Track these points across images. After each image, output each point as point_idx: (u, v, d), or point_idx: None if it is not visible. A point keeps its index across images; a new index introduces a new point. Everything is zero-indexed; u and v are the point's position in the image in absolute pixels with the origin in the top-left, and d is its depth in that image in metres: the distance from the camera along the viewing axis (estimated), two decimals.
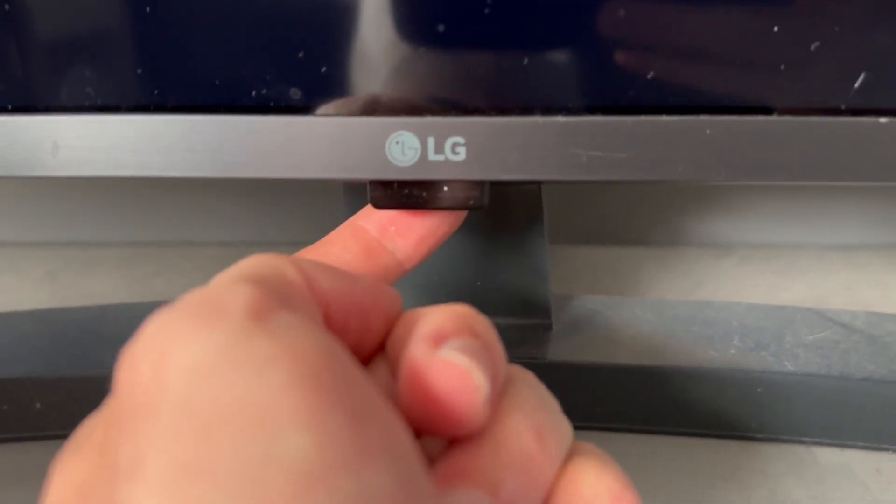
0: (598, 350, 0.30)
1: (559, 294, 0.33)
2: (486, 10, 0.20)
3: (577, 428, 0.29)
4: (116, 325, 0.32)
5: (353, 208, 0.23)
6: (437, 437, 0.16)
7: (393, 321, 0.19)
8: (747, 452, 0.28)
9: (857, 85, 0.20)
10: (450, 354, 0.15)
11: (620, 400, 0.29)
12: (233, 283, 0.15)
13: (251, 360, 0.13)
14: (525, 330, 0.30)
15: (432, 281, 0.31)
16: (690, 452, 0.28)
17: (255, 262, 0.16)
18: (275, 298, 0.15)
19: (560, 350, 0.30)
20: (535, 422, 0.16)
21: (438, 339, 0.16)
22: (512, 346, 0.30)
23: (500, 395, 0.16)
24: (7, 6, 0.21)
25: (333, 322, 0.17)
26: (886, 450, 0.28)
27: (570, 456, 0.16)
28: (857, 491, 0.27)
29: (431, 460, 0.16)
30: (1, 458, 0.29)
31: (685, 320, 0.31)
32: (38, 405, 0.29)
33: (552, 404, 0.17)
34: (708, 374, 0.28)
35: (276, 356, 0.13)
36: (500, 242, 0.30)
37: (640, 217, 0.47)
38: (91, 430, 0.15)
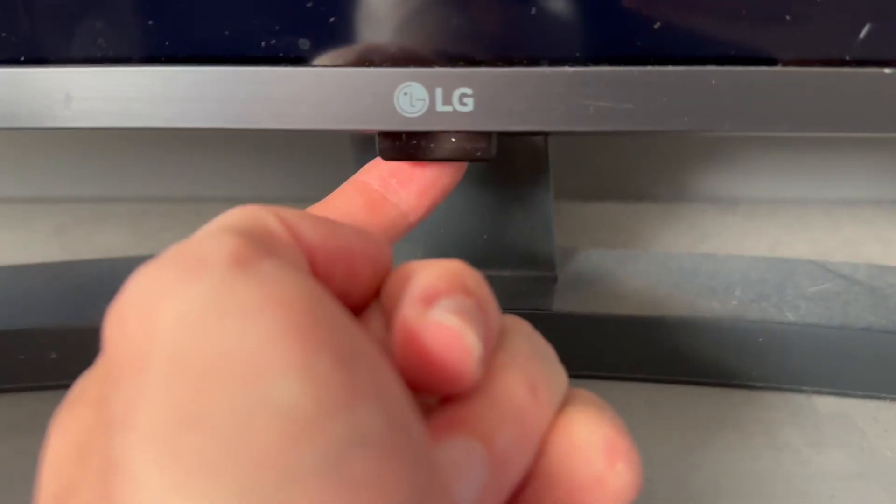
0: (602, 301, 0.30)
1: (564, 247, 0.34)
2: None
3: (581, 377, 0.30)
4: (128, 277, 0.32)
5: (362, 162, 0.23)
6: (432, 395, 0.16)
7: (382, 268, 0.19)
8: (748, 400, 0.29)
9: (862, 35, 0.20)
10: (442, 316, 0.15)
11: (624, 350, 0.30)
12: (216, 234, 0.15)
13: (237, 309, 0.13)
14: (530, 282, 0.31)
15: (439, 234, 0.31)
16: (692, 401, 0.29)
17: (237, 215, 0.17)
18: (258, 247, 0.15)
19: (565, 301, 0.30)
20: (528, 374, 0.16)
21: (430, 299, 0.16)
22: (517, 298, 0.30)
23: (494, 348, 0.17)
24: None
25: (319, 269, 0.17)
26: (884, 398, 0.29)
27: (564, 404, 0.17)
28: (855, 438, 0.27)
29: (427, 414, 0.16)
30: (19, 407, 0.30)
31: (688, 272, 0.31)
32: (53, 355, 0.30)
33: (547, 354, 0.18)
34: (710, 324, 0.29)
35: (262, 303, 0.13)
36: (506, 196, 0.30)
37: (645, 172, 0.47)
38: (85, 387, 0.15)
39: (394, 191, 0.22)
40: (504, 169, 0.30)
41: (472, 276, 0.17)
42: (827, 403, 0.29)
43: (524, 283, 0.31)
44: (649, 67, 0.21)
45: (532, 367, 0.16)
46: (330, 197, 0.22)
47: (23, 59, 0.22)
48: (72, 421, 0.15)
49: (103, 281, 0.32)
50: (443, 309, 0.15)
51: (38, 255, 0.43)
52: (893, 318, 0.28)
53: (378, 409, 0.13)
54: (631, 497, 0.16)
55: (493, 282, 0.31)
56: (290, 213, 0.17)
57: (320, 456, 0.12)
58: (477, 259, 0.31)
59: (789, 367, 0.29)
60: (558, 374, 0.17)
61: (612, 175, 0.47)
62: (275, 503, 0.11)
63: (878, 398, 0.29)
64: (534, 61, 0.21)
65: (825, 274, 0.31)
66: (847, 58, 0.21)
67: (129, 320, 0.14)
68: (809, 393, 0.29)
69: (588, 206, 0.46)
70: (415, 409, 0.14)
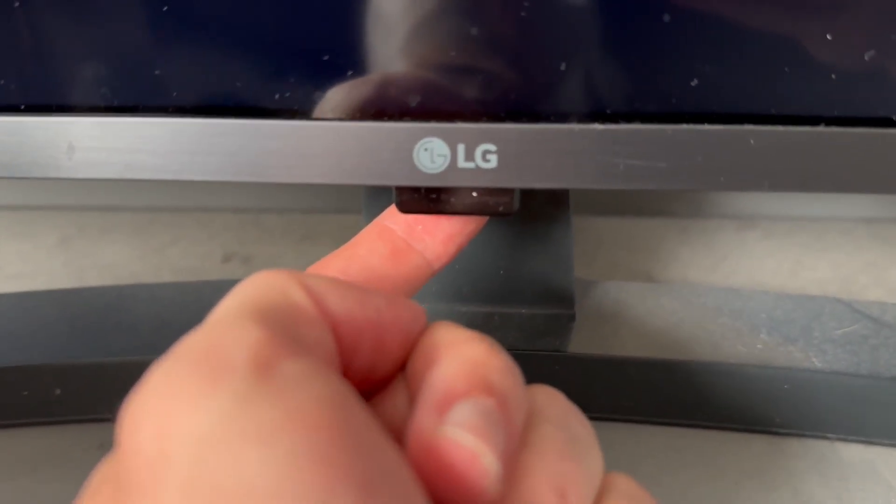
0: (621, 342, 0.29)
1: (583, 280, 0.33)
2: (522, 13, 0.19)
3: (600, 419, 0.29)
4: (133, 308, 0.31)
5: (371, 193, 0.22)
6: None
7: (414, 336, 0.18)
8: (771, 448, 0.28)
9: None
10: (456, 433, 0.14)
11: (644, 393, 0.29)
12: (238, 320, 0.14)
13: (255, 432, 0.12)
14: (549, 320, 0.30)
15: (457, 270, 0.30)
16: (714, 447, 0.28)
17: (261, 286, 0.16)
18: (281, 338, 0.14)
19: (583, 342, 0.29)
20: (558, 477, 0.15)
21: (446, 405, 0.15)
22: (535, 337, 0.29)
23: (520, 443, 0.16)
24: (18, 3, 0.20)
25: (344, 342, 0.16)
26: None
27: (598, 499, 0.16)
28: (882, 490, 0.26)
29: None
30: (22, 443, 0.29)
31: (712, 311, 0.31)
32: (57, 391, 0.29)
33: (582, 441, 0.17)
34: (734, 370, 0.28)
35: (282, 423, 0.12)
36: (525, 232, 0.29)
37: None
38: (99, 485, 0.14)
39: (419, 238, 0.21)
40: (524, 205, 0.29)
41: (496, 364, 0.16)
42: (852, 452, 0.28)
43: (542, 321, 0.30)
44: (684, 126, 0.19)
45: (562, 467, 0.16)
46: (352, 242, 0.21)
47: (23, 106, 0.21)
48: None
49: (109, 311, 0.31)
50: (458, 421, 0.14)
51: (43, 266, 0.42)
52: None
53: None
54: None
55: (510, 319, 0.30)
56: (317, 283, 0.16)
57: None
58: (494, 295, 0.30)
59: (814, 414, 0.28)
60: (592, 467, 0.16)
61: (631, 190, 0.46)
62: None
63: None
64: (562, 118, 0.20)
65: (853, 315, 0.30)
66: (894, 118, 0.19)
67: (144, 430, 0.13)
68: (833, 440, 0.28)
69: (606, 220, 0.45)
70: None
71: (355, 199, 0.21)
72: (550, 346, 0.29)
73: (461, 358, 0.16)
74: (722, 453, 0.28)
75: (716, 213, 0.46)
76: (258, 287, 0.16)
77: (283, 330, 0.14)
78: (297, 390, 0.13)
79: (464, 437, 0.14)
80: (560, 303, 0.30)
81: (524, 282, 0.30)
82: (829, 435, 0.28)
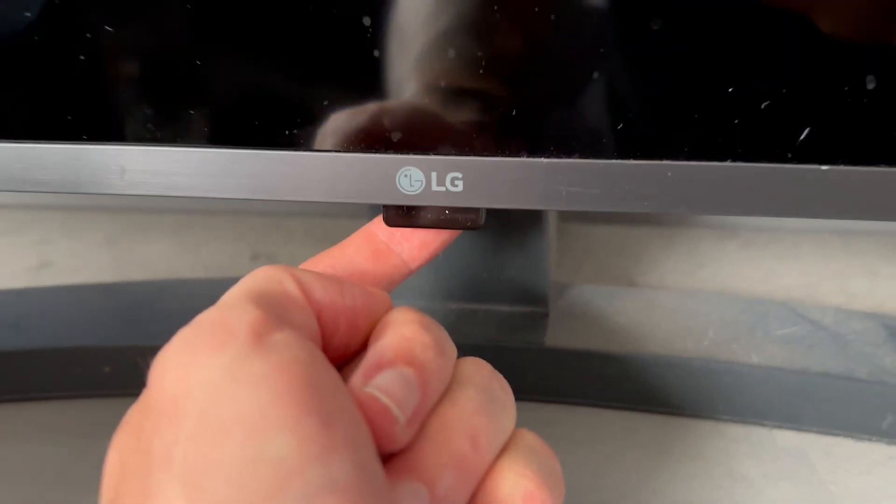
0: (588, 337, 0.34)
1: (558, 283, 0.37)
2: (481, 73, 0.23)
3: (567, 404, 0.34)
4: (171, 300, 0.37)
5: (375, 206, 0.26)
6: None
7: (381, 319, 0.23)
8: (714, 432, 0.32)
9: (802, 137, 0.23)
10: (376, 390, 0.19)
11: (606, 382, 0.33)
12: (241, 302, 0.19)
13: (250, 379, 0.17)
14: (525, 317, 0.34)
15: (446, 272, 0.35)
16: (664, 430, 0.32)
17: (261, 277, 0.21)
18: (273, 317, 0.19)
19: (555, 336, 0.34)
20: (472, 427, 0.20)
21: (373, 371, 0.19)
22: (513, 332, 0.34)
23: (443, 400, 0.20)
24: (83, 57, 0.25)
25: (325, 324, 0.21)
26: (838, 435, 0.32)
27: (505, 449, 0.20)
28: (805, 472, 0.31)
29: (387, 459, 0.19)
30: (76, 414, 0.35)
31: (670, 311, 0.35)
32: (106, 369, 0.34)
33: (497, 401, 0.21)
34: (683, 363, 0.32)
35: (269, 373, 0.17)
36: (506, 240, 0.34)
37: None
38: (131, 417, 0.19)
39: (398, 242, 0.26)
40: (505, 218, 0.33)
41: (421, 340, 0.20)
42: (786, 438, 0.32)
43: (519, 318, 0.34)
44: (613, 160, 0.24)
45: (477, 420, 0.20)
46: (344, 243, 0.26)
47: (86, 137, 0.26)
48: (121, 444, 0.19)
49: (150, 303, 0.37)
50: (378, 384, 0.19)
51: (91, 262, 0.47)
52: (850, 365, 0.32)
53: (349, 459, 0.17)
54: None
55: (492, 315, 0.35)
56: (305, 276, 0.21)
57: (300, 496, 0.16)
58: (478, 295, 0.35)
59: (752, 404, 0.32)
60: (504, 422, 0.21)
61: None
62: None
63: (833, 434, 0.32)
64: (514, 152, 0.24)
65: (794, 318, 0.34)
66: (789, 155, 0.24)
67: (168, 375, 0.18)
68: (770, 427, 0.32)
69: (593, 228, 0.49)
70: (377, 456, 0.18)
71: (363, 207, 0.26)
72: (526, 339, 0.33)
73: (397, 334, 0.21)
74: (670, 436, 0.32)
75: (699, 223, 0.50)
76: (259, 278, 0.21)
77: (274, 311, 0.19)
78: (280, 353, 0.18)
79: (380, 396, 0.19)
80: (536, 302, 0.35)
81: (505, 283, 0.35)
82: (766, 422, 0.32)
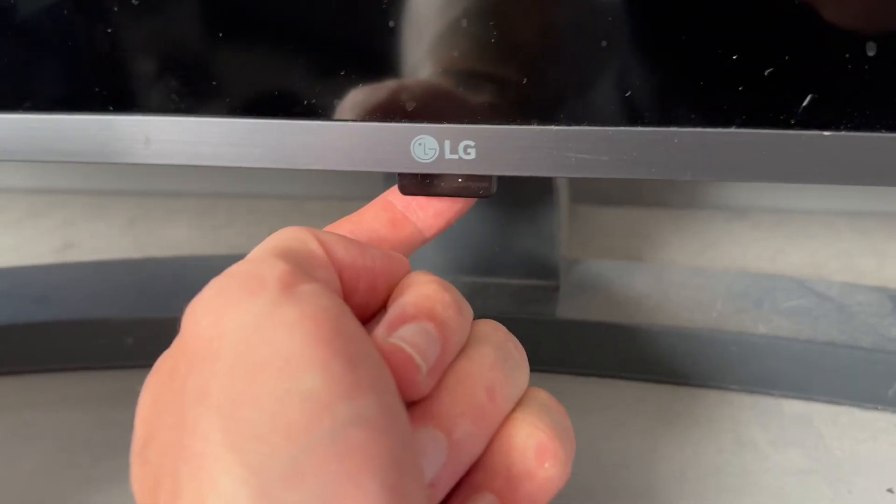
0: (598, 310, 0.34)
1: (569, 258, 0.38)
2: (493, 45, 0.24)
3: (578, 375, 0.34)
4: (192, 275, 0.38)
5: (390, 178, 0.27)
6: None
7: (399, 281, 0.24)
8: (721, 401, 0.33)
9: (805, 104, 0.24)
10: (400, 341, 0.20)
11: (615, 352, 0.34)
12: (269, 257, 0.20)
13: (281, 323, 0.18)
14: (536, 290, 0.35)
15: (460, 246, 0.36)
16: (672, 399, 0.33)
17: (287, 236, 0.22)
18: (300, 271, 0.20)
19: (565, 309, 0.34)
20: (488, 380, 0.21)
21: (396, 324, 0.20)
22: (524, 304, 0.35)
23: (462, 356, 0.21)
24: (110, 30, 0.26)
25: (346, 282, 0.22)
26: (844, 404, 0.32)
27: (519, 404, 0.21)
28: (812, 438, 0.31)
29: (411, 406, 0.20)
30: (101, 384, 0.36)
31: (678, 285, 0.35)
32: (129, 341, 0.36)
33: (512, 360, 0.22)
34: (690, 333, 0.33)
35: (299, 319, 0.18)
36: (515, 214, 0.35)
37: (661, 180, 0.50)
38: (163, 361, 0.20)
39: (413, 211, 0.27)
40: (515, 189, 0.34)
41: (441, 299, 0.22)
42: (793, 406, 0.33)
43: (531, 291, 0.35)
44: (621, 128, 0.25)
45: (493, 374, 0.21)
46: (361, 211, 0.27)
47: (111, 108, 0.27)
48: (153, 385, 0.20)
49: (172, 278, 0.38)
50: (401, 335, 0.20)
51: (115, 244, 0.48)
52: (855, 335, 0.32)
53: (374, 399, 0.18)
54: (557, 487, 0.20)
55: (504, 288, 0.36)
56: (328, 237, 0.22)
57: (328, 430, 0.17)
58: (491, 268, 0.36)
59: (760, 374, 0.33)
60: (518, 378, 0.22)
61: (628, 182, 0.50)
62: (296, 462, 0.16)
63: (839, 403, 0.33)
64: (525, 120, 0.25)
65: (801, 290, 0.35)
66: (792, 121, 0.24)
67: (203, 319, 0.19)
68: (777, 396, 0.33)
69: (603, 210, 0.49)
70: (400, 399, 0.19)
71: (379, 188, 0.27)
72: (537, 312, 0.34)
73: (418, 293, 0.22)
74: (678, 404, 0.33)
75: (709, 204, 0.50)
76: (285, 237, 0.22)
77: (300, 266, 0.20)
78: (309, 302, 0.19)
79: (405, 345, 0.20)
80: (547, 276, 0.35)
81: (517, 257, 0.35)
82: (773, 391, 0.33)
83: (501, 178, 0.27)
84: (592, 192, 0.51)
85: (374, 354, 0.19)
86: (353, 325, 0.19)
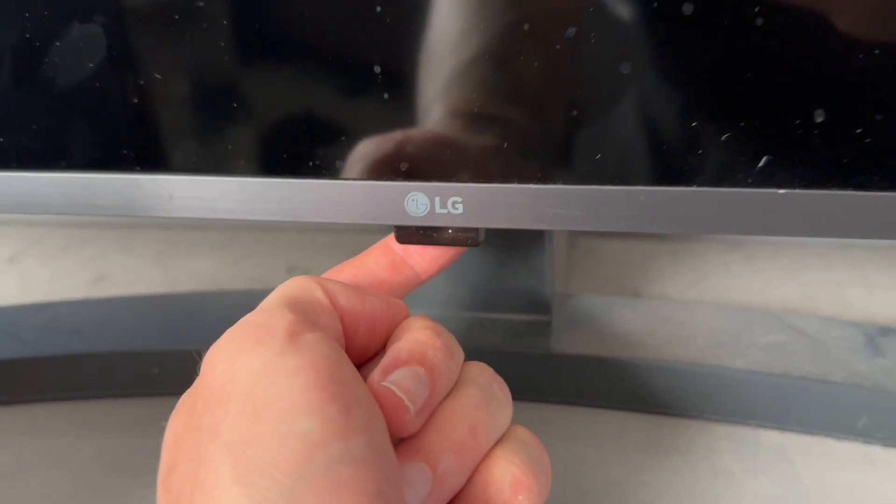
0: (587, 344, 0.37)
1: (561, 293, 0.40)
2: (476, 116, 0.27)
3: (567, 404, 0.37)
4: (212, 309, 0.41)
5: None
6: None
7: (398, 324, 0.26)
8: (701, 431, 0.35)
9: (760, 165, 0.26)
10: (391, 384, 0.22)
11: (603, 384, 0.36)
12: (278, 308, 0.23)
13: (285, 371, 0.21)
14: (529, 325, 0.38)
15: (459, 285, 0.38)
16: (654, 428, 0.36)
17: (295, 286, 0.24)
18: (305, 320, 0.23)
19: (556, 343, 0.37)
20: (472, 419, 0.23)
21: (390, 369, 0.23)
22: (518, 338, 0.37)
23: (449, 396, 0.24)
24: (136, 101, 0.29)
25: (347, 328, 0.25)
26: (817, 434, 0.35)
27: (500, 440, 0.24)
28: (783, 467, 0.33)
29: (399, 442, 0.23)
30: (128, 411, 0.39)
31: (663, 320, 0.38)
32: (155, 370, 0.39)
33: (496, 400, 0.24)
34: (672, 367, 0.35)
35: (300, 368, 0.21)
36: (509, 254, 0.37)
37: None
38: (185, 400, 0.23)
39: (411, 256, 0.30)
40: (509, 233, 0.37)
41: (433, 345, 0.24)
42: (769, 436, 0.35)
43: (525, 326, 0.38)
44: (592, 186, 0.27)
45: (476, 414, 0.24)
46: (364, 255, 0.30)
47: (139, 168, 0.30)
48: (176, 421, 0.23)
49: (194, 312, 0.41)
50: (394, 380, 0.23)
51: (143, 275, 0.52)
52: (828, 369, 0.34)
53: (364, 440, 0.20)
54: None
55: (499, 323, 0.38)
56: (332, 285, 0.25)
57: (322, 466, 0.19)
58: (487, 305, 0.39)
59: (737, 405, 0.35)
60: (501, 417, 0.24)
61: None
62: (292, 493, 0.19)
63: (813, 434, 0.35)
64: (507, 179, 0.28)
65: (779, 325, 0.37)
66: (749, 181, 0.27)
67: (218, 365, 0.22)
68: (754, 426, 0.35)
69: (603, 242, 0.52)
70: (389, 439, 0.22)
71: (388, 226, 0.29)
72: (530, 345, 0.37)
73: (412, 338, 0.24)
74: (659, 433, 0.35)
75: (704, 237, 0.52)
76: (293, 287, 0.24)
77: (306, 315, 0.23)
78: (310, 351, 0.21)
79: (395, 389, 0.22)
80: (540, 311, 0.38)
81: (511, 294, 0.38)
82: (750, 422, 0.35)
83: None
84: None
85: (367, 397, 0.22)
86: (350, 371, 0.22)
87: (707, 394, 0.35)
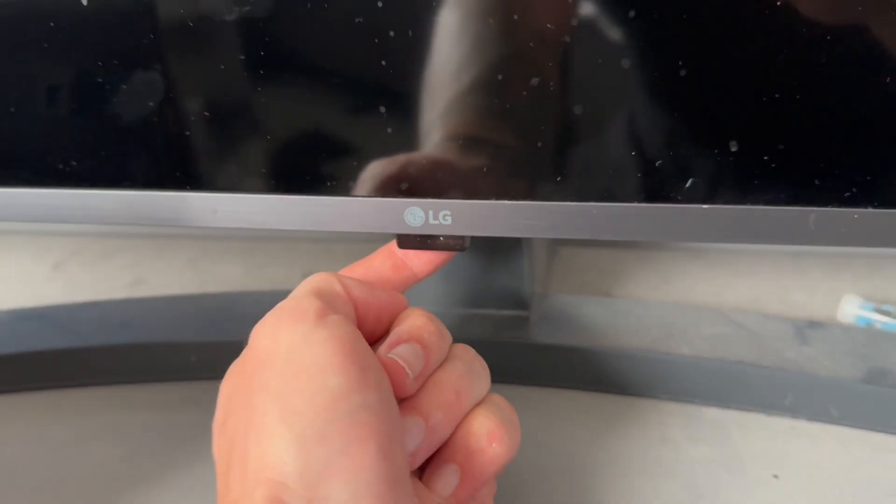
0: (559, 335, 0.43)
1: (538, 293, 0.47)
2: (463, 138, 0.34)
3: (540, 386, 0.43)
4: (241, 308, 0.48)
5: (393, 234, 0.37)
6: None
7: (399, 313, 0.33)
8: (654, 409, 0.42)
9: (687, 185, 0.33)
10: (395, 356, 0.29)
11: (572, 369, 0.43)
12: (307, 295, 0.29)
13: (317, 342, 0.27)
14: (510, 319, 0.44)
15: (451, 284, 0.45)
16: (613, 406, 0.42)
17: (319, 279, 0.31)
18: (328, 305, 0.29)
19: (533, 335, 0.43)
20: (457, 385, 0.30)
21: (395, 344, 0.30)
22: (501, 330, 0.44)
23: (438, 369, 0.30)
24: (188, 133, 0.36)
25: (359, 314, 0.31)
26: (751, 410, 0.41)
27: (479, 403, 0.30)
28: (721, 436, 0.40)
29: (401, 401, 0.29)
30: (170, 394, 0.46)
31: (624, 315, 0.44)
32: (193, 359, 0.45)
33: (476, 372, 0.31)
34: (629, 354, 0.42)
35: (328, 339, 0.27)
36: (494, 259, 0.44)
37: None
38: (236, 365, 0.29)
39: (410, 258, 0.36)
40: (491, 241, 0.43)
41: (427, 328, 0.31)
42: (712, 412, 0.41)
43: (506, 320, 0.44)
44: (555, 202, 0.34)
45: (460, 381, 0.30)
46: (371, 257, 0.36)
47: (188, 187, 0.37)
48: (229, 382, 0.29)
49: (226, 309, 0.48)
50: (398, 352, 0.29)
51: (177, 281, 0.59)
52: (761, 356, 0.41)
53: (377, 393, 0.27)
54: (503, 461, 0.29)
55: (485, 318, 0.45)
56: (347, 281, 0.31)
57: (345, 410, 0.25)
58: (475, 301, 0.45)
59: (684, 386, 0.42)
60: (480, 386, 0.31)
61: None
62: (324, 429, 0.25)
63: (749, 410, 0.41)
64: (486, 197, 0.35)
65: (722, 320, 0.44)
66: (679, 197, 0.33)
67: (265, 338, 0.28)
68: (699, 404, 0.42)
69: (582, 251, 0.59)
70: (394, 396, 0.28)
71: (386, 238, 0.36)
72: (511, 336, 0.43)
73: (411, 322, 0.31)
74: (617, 410, 0.42)
75: (671, 247, 0.59)
76: (318, 280, 0.31)
77: (329, 302, 0.29)
78: (334, 327, 0.28)
79: (399, 359, 0.29)
80: (519, 307, 0.45)
81: (495, 293, 0.45)
82: (696, 401, 0.42)
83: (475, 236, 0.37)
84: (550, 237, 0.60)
85: (377, 364, 0.28)
86: (363, 344, 0.28)
87: (659, 376, 0.42)
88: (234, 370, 0.29)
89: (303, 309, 0.28)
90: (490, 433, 0.30)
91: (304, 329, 0.27)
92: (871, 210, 0.32)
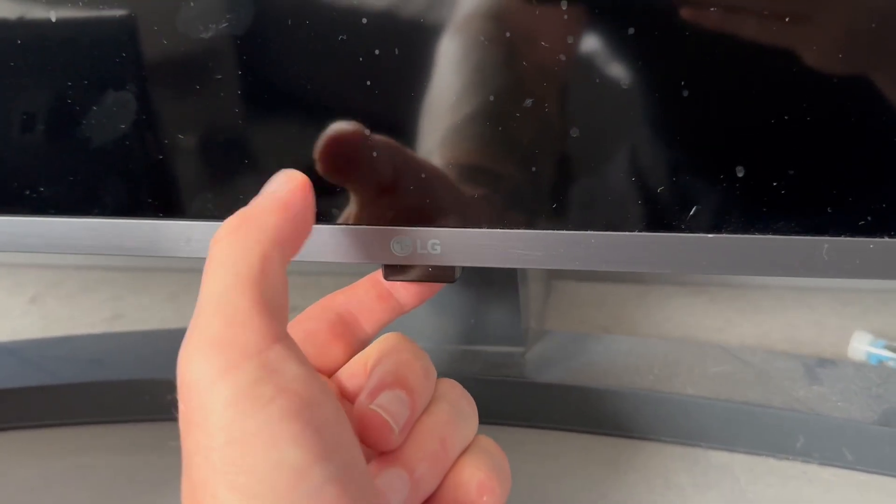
0: (556, 373, 0.41)
1: (534, 329, 0.45)
2: (454, 169, 0.32)
3: (536, 428, 0.41)
4: None
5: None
6: (375, 451, 0.26)
7: (359, 342, 0.32)
8: (656, 451, 0.39)
9: (691, 213, 0.31)
10: (378, 408, 0.26)
11: (569, 409, 0.40)
12: (246, 311, 0.24)
13: (261, 402, 0.21)
14: (505, 356, 0.42)
15: (443, 320, 0.43)
16: (614, 449, 0.40)
17: (245, 269, 0.26)
18: (270, 325, 0.23)
19: (529, 372, 0.41)
20: (442, 433, 0.27)
21: (376, 392, 0.27)
22: (495, 368, 0.42)
23: (424, 412, 0.28)
24: (161, 157, 0.34)
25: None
26: (761, 455, 0.39)
27: (467, 449, 0.28)
28: (729, 482, 0.37)
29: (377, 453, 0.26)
30: (144, 434, 0.43)
31: (624, 353, 0.42)
32: (169, 397, 0.43)
33: (464, 413, 0.29)
34: (631, 394, 0.39)
35: (274, 398, 0.21)
36: (488, 293, 0.42)
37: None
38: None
39: (397, 289, 0.34)
40: (486, 273, 0.41)
41: (413, 367, 0.28)
42: (718, 456, 0.39)
43: (500, 357, 0.42)
44: (549, 231, 0.32)
45: (446, 428, 0.28)
46: (356, 284, 0.34)
47: (161, 215, 0.35)
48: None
49: None
50: (380, 403, 0.26)
51: (158, 317, 0.56)
52: (769, 395, 0.38)
53: (339, 458, 0.22)
54: None
55: (479, 355, 0.43)
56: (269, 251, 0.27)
57: (306, 489, 0.21)
58: (468, 338, 0.43)
59: (689, 428, 0.39)
60: (467, 428, 0.29)
61: None
62: None
63: (757, 454, 0.39)
64: (477, 225, 0.32)
65: (728, 357, 0.41)
66: (682, 226, 0.31)
67: (194, 394, 0.22)
68: (705, 448, 0.39)
69: (580, 285, 0.56)
70: (362, 454, 0.24)
71: (373, 268, 0.34)
72: (504, 373, 0.41)
73: (395, 360, 0.28)
74: (619, 454, 0.39)
75: (673, 281, 0.57)
76: (244, 269, 0.27)
77: (272, 313, 0.24)
78: (281, 377, 0.21)
79: (382, 412, 0.26)
80: (514, 344, 0.42)
81: (489, 329, 0.42)
82: (702, 443, 0.39)
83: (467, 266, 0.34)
84: (572, 270, 0.57)
85: (333, 410, 0.23)
86: (317, 386, 0.23)
87: (662, 418, 0.39)
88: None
89: (241, 345, 0.22)
90: (480, 485, 0.27)
91: (244, 382, 0.22)
92: (888, 240, 0.30)
